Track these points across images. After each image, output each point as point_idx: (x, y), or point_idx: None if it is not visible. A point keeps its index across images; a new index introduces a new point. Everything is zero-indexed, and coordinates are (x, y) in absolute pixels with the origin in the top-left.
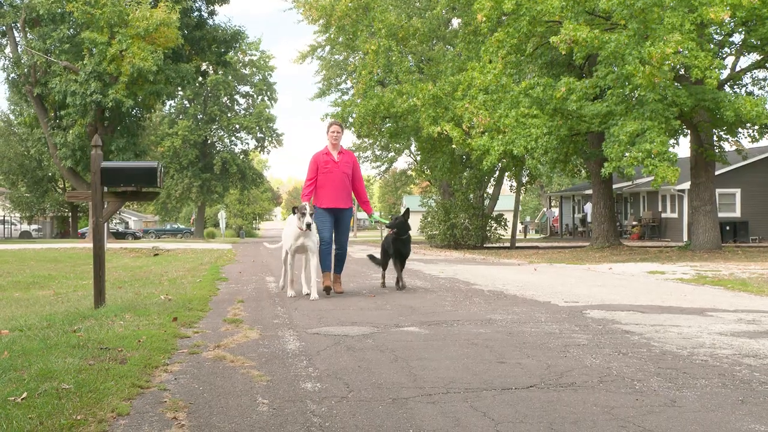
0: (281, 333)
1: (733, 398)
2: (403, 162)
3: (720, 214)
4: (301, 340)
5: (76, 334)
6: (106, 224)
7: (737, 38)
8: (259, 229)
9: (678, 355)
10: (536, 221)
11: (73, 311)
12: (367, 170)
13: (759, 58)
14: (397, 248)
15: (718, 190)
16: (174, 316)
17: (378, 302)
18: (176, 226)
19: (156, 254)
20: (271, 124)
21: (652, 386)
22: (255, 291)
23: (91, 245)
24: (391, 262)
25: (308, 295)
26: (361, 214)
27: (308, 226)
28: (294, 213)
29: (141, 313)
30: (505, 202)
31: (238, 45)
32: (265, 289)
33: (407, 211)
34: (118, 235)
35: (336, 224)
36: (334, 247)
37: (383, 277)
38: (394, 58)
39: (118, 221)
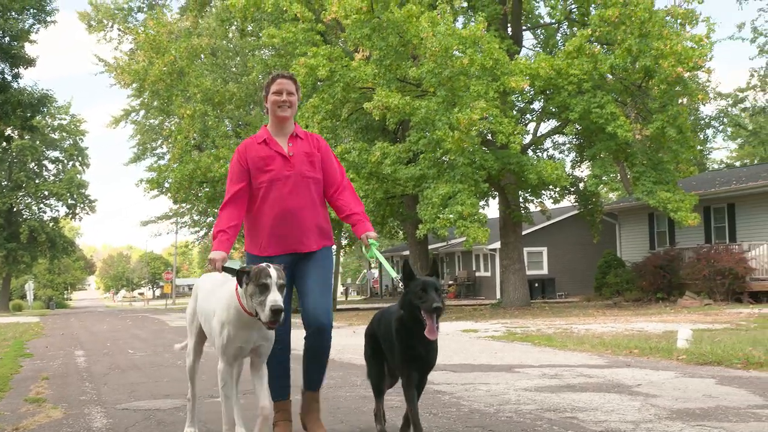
0: (88, 410)
1: None
2: None
3: (529, 272)
4: (109, 416)
5: None
6: None
7: (537, 106)
8: (71, 300)
9: (485, 413)
10: (357, 283)
11: None
12: (185, 236)
13: (557, 124)
14: (415, 353)
15: (526, 249)
16: None
17: None
18: None
19: None
20: (83, 190)
21: None
22: (62, 366)
23: None
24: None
25: None
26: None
27: (276, 313)
28: (244, 280)
29: None
30: None
31: (45, 109)
32: (73, 363)
33: (435, 264)
34: None
35: (301, 280)
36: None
37: (379, 412)
38: (210, 123)
39: None
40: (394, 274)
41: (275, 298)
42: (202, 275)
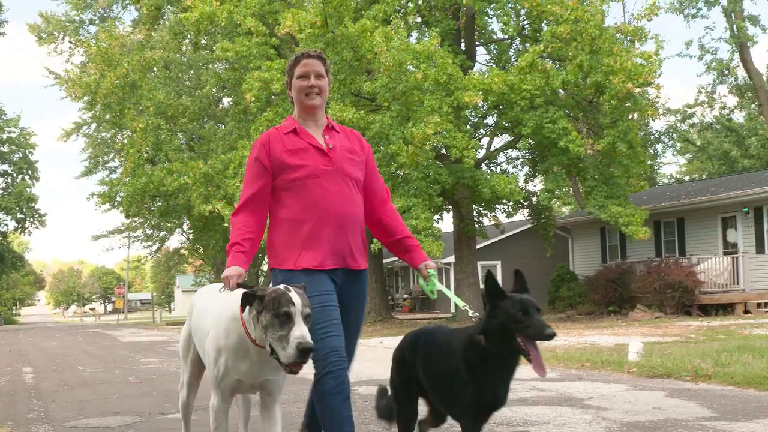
0: (35, 429)
1: None
2: (175, 241)
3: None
4: None
5: None
6: None
7: (491, 120)
8: (19, 315)
9: (438, 428)
10: None
11: None
12: (138, 250)
13: (510, 138)
14: (496, 396)
15: (480, 263)
16: None
17: (144, 388)
18: None
19: None
20: (33, 204)
21: None
22: (9, 384)
23: None
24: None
25: None
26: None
27: (305, 353)
28: (255, 306)
29: None
30: None
31: None
32: (20, 380)
33: (521, 276)
34: None
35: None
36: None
37: None
38: (163, 136)
39: None
40: (461, 303)
41: (302, 333)
42: (199, 289)
